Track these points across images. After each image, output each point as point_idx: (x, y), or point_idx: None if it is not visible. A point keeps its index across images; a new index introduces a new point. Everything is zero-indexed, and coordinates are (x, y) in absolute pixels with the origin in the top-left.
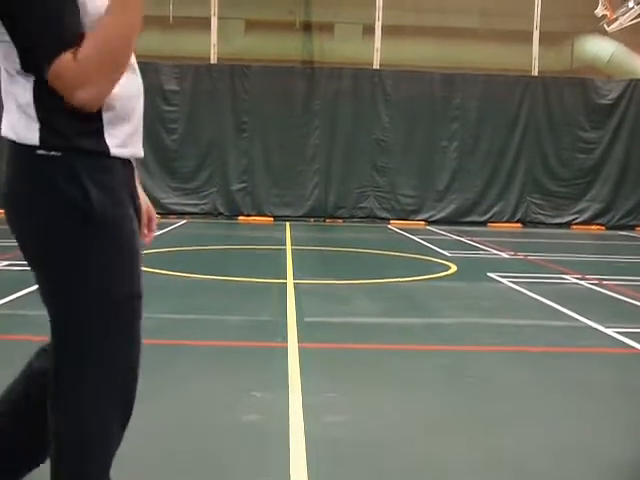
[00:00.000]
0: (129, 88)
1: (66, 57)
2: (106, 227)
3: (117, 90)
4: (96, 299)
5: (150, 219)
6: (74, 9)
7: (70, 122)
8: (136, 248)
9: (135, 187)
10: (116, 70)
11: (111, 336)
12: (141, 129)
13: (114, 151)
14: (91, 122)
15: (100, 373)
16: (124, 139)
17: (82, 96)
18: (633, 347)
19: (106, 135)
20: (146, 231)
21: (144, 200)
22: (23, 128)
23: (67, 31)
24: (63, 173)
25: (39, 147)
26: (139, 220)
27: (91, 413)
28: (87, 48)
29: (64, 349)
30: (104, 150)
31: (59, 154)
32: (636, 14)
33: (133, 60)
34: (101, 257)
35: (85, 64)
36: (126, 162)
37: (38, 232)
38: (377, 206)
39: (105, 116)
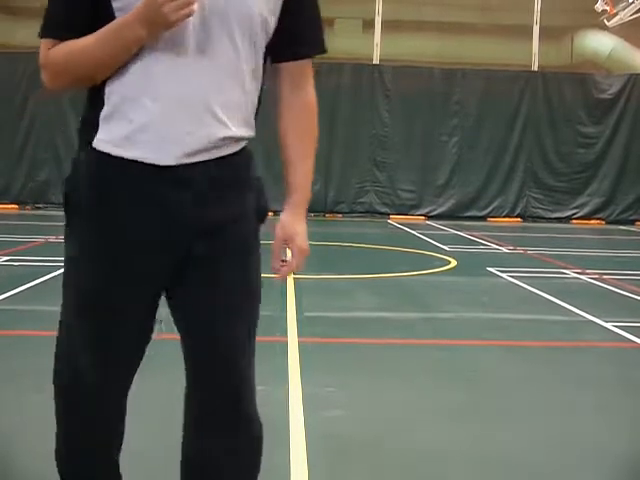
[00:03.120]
0: (136, 89)
1: (46, 43)
2: (83, 221)
3: (117, 88)
4: (67, 294)
5: (291, 250)
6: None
7: (85, 112)
8: (122, 253)
9: (163, 191)
10: (74, 82)
11: (72, 335)
12: (169, 134)
13: (100, 146)
14: (93, 115)
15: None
16: (124, 137)
17: (44, 77)
18: (633, 341)
19: (100, 129)
20: (277, 265)
21: (285, 229)
22: None
23: (49, 20)
24: (74, 162)
25: None
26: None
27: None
28: (59, 55)
29: None
30: (91, 143)
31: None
32: (636, 9)
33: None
34: (72, 251)
35: (50, 63)
36: (147, 165)
37: None
38: (377, 201)
39: (103, 110)
